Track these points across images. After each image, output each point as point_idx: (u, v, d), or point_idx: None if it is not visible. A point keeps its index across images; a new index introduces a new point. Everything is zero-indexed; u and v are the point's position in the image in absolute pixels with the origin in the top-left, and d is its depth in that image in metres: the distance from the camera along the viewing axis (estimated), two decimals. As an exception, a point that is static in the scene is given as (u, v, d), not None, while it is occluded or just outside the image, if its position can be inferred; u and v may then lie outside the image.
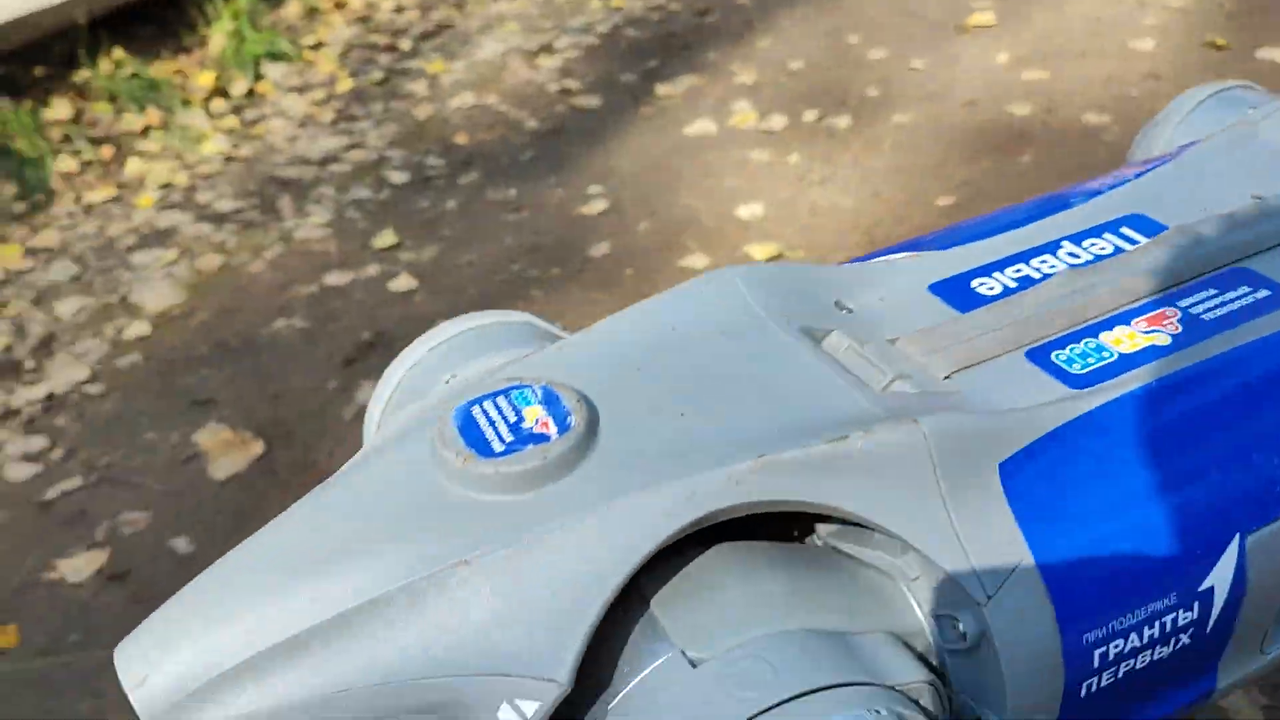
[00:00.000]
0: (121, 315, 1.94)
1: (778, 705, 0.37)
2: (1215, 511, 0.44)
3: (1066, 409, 0.44)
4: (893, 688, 0.40)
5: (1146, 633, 0.44)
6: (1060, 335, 0.48)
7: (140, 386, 1.75)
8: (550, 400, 0.42)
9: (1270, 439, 0.45)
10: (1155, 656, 0.45)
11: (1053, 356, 0.47)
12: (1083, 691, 0.44)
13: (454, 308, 1.84)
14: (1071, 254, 0.53)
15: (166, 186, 2.38)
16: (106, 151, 2.49)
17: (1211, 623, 0.46)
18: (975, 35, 2.64)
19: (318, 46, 3.02)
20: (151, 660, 0.38)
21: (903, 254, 0.54)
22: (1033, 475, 0.43)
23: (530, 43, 2.96)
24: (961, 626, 0.42)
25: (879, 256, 0.55)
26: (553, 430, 0.40)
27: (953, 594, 0.42)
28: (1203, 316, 0.49)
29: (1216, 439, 0.45)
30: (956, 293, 0.51)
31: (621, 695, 0.40)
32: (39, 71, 2.73)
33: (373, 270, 1.99)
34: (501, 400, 0.42)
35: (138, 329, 1.89)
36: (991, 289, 0.51)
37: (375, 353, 1.75)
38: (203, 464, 1.56)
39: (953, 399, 0.45)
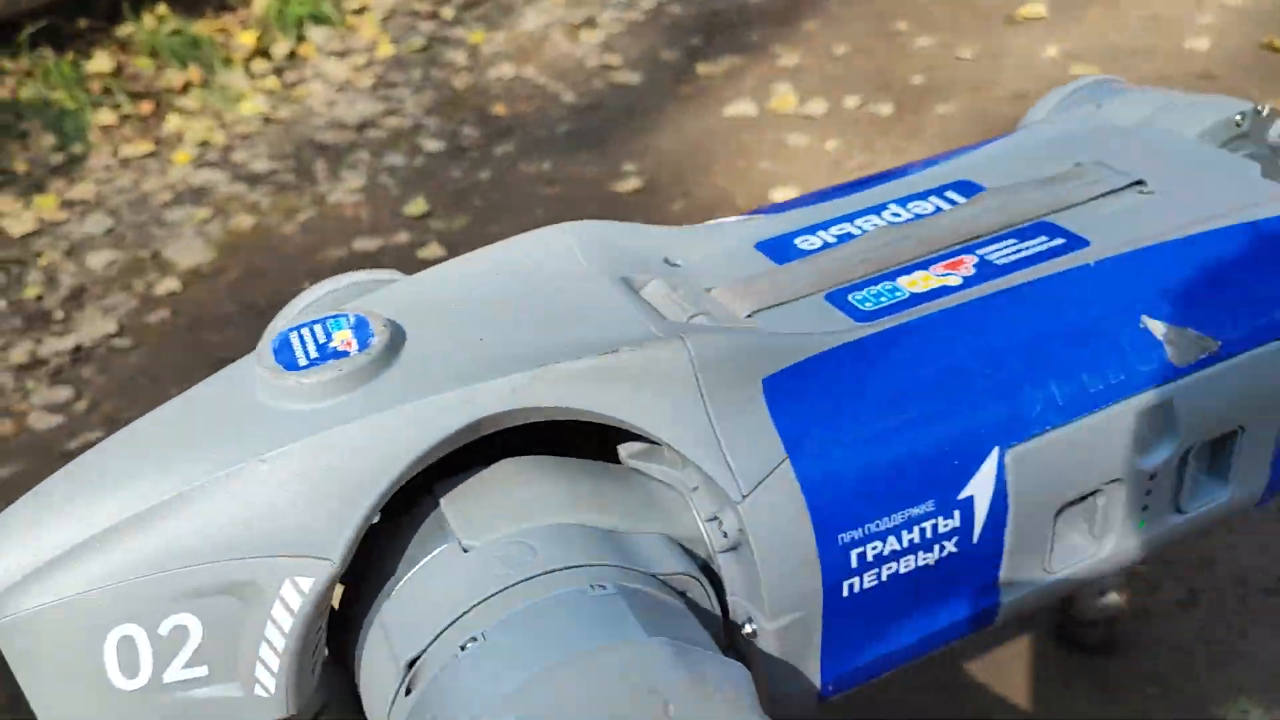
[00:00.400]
0: (152, 271, 1.95)
1: (530, 579, 0.43)
2: (972, 426, 0.49)
3: (841, 336, 0.50)
4: (654, 576, 0.45)
5: (906, 537, 0.48)
6: (861, 280, 0.54)
7: (167, 342, 1.75)
8: (360, 325, 0.48)
9: (1033, 363, 0.50)
10: (920, 562, 0.49)
11: (849, 297, 0.53)
12: (844, 590, 0.48)
13: (482, 279, 1.83)
14: (894, 214, 0.59)
15: (204, 144, 2.38)
16: (146, 107, 2.49)
17: (977, 532, 0.50)
18: (1025, 27, 2.59)
19: (361, 11, 3.01)
20: None
21: (738, 218, 0.61)
22: (796, 390, 0.48)
23: (573, 16, 2.93)
24: (724, 525, 0.48)
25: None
26: (354, 348, 0.46)
27: (715, 496, 0.48)
28: (996, 261, 0.55)
29: (978, 364, 0.50)
30: (779, 249, 0.57)
31: (402, 582, 0.46)
32: (82, 24, 2.73)
33: (403, 237, 1.98)
34: (317, 326, 0.48)
35: (168, 285, 1.90)
36: (812, 245, 0.57)
37: (401, 320, 1.74)
38: (224, 423, 1.56)
39: (739, 330, 0.50)
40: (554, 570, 0.43)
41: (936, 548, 0.50)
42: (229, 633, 0.44)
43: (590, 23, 2.87)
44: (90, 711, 0.45)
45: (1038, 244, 0.56)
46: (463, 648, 0.41)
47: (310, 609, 0.43)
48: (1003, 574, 0.53)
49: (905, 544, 0.49)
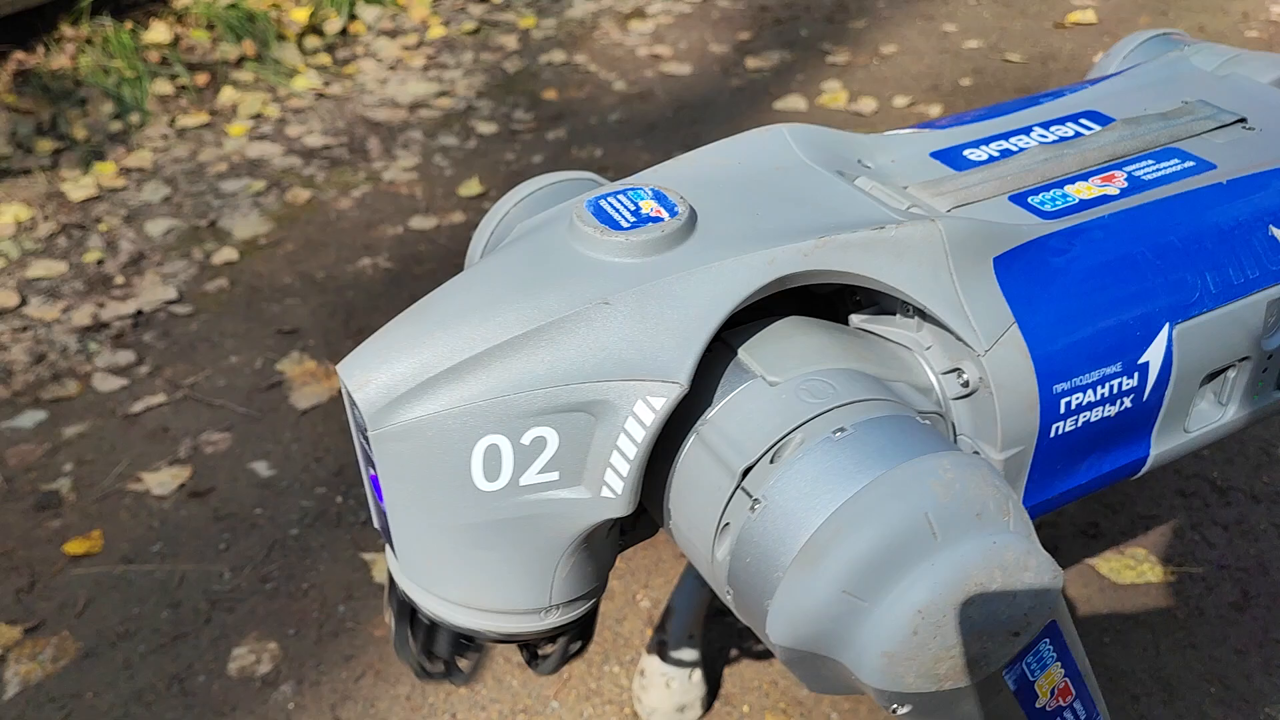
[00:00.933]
0: (210, 240, 1.98)
1: (835, 408, 0.52)
2: (1150, 305, 0.61)
3: (1038, 229, 0.61)
4: (917, 413, 0.56)
5: (1099, 390, 0.60)
6: (1034, 186, 0.65)
7: (226, 310, 1.78)
8: (659, 196, 0.57)
9: (1191, 258, 0.62)
10: (1105, 413, 0.61)
11: (1029, 200, 0.64)
12: (1052, 433, 0.59)
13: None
14: (1041, 135, 0.71)
15: (257, 117, 2.41)
16: (201, 78, 2.52)
17: (1147, 392, 0.62)
18: (1074, 32, 2.61)
19: (411, -9, 3.03)
20: (370, 371, 0.52)
21: (905, 130, 0.71)
22: (1016, 268, 0.59)
23: (623, 5, 2.95)
24: (965, 375, 0.58)
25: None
26: (665, 215, 0.56)
27: (958, 350, 0.58)
28: (1144, 177, 0.66)
29: (1150, 256, 0.62)
30: (951, 158, 0.68)
31: (715, 411, 0.55)
32: (139, -6, 2.76)
33: (457, 217, 2.01)
34: (621, 196, 0.57)
35: (225, 254, 1.93)
36: (979, 156, 0.68)
37: (457, 298, 1.77)
38: (285, 392, 1.59)
39: (975, 218, 0.61)
40: (854, 402, 0.53)
41: (1118, 403, 0.61)
42: (581, 444, 0.52)
43: (640, 13, 2.89)
44: (451, 508, 0.53)
45: (1173, 165, 0.68)
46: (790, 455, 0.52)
47: (658, 424, 0.52)
48: (1155, 430, 0.65)
49: (1097, 396, 0.60)
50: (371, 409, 0.52)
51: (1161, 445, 0.66)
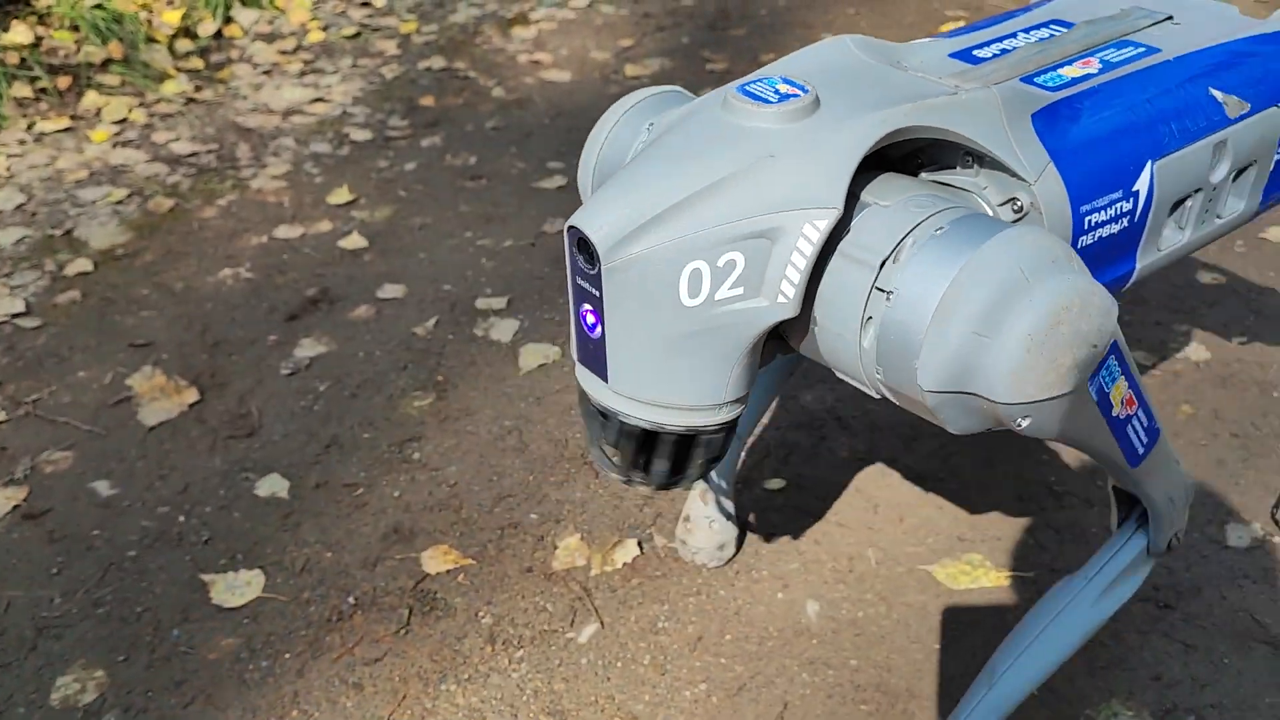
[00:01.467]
0: (64, 250, 1.91)
1: (933, 214, 0.70)
2: (1139, 146, 0.83)
3: (1052, 97, 0.82)
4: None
5: (1108, 212, 0.82)
6: (1036, 70, 0.86)
7: (77, 324, 1.73)
8: (788, 81, 0.74)
9: (1161, 112, 0.85)
10: (1111, 230, 0.83)
11: (1035, 80, 0.84)
12: (1078, 245, 0.81)
13: (403, 270, 1.83)
14: (1026, 37, 0.92)
15: (122, 122, 2.34)
16: (63, 81, 2.44)
17: (1137, 214, 0.84)
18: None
19: (291, -6, 2.98)
20: (600, 219, 0.69)
21: (926, 39, 0.90)
22: (1046, 123, 0.79)
23: (507, 11, 2.93)
24: (1019, 202, 0.77)
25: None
26: (799, 93, 0.73)
27: (1011, 185, 0.78)
28: (1111, 60, 0.89)
29: (1133, 112, 0.84)
30: (966, 58, 0.87)
31: (849, 233, 0.72)
32: (1, -6, 2.67)
33: (325, 226, 1.97)
34: (761, 83, 0.74)
35: (79, 265, 1.87)
36: (986, 54, 0.88)
37: (319, 310, 1.74)
38: (133, 408, 1.54)
39: (1017, 87, 0.83)
40: (945, 209, 0.71)
41: (1119, 222, 0.83)
42: (762, 263, 0.69)
43: (523, 19, 2.88)
44: (661, 324, 0.70)
45: (1130, 51, 0.90)
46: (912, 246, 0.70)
47: (821, 240, 0.69)
48: (1140, 247, 0.87)
49: (1107, 216, 0.82)
50: (605, 246, 0.68)
51: (1143, 260, 0.88)
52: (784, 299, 0.70)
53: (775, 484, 1.37)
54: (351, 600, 1.23)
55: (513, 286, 1.78)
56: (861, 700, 1.10)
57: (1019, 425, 0.69)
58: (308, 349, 1.65)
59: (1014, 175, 0.77)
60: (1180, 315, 1.65)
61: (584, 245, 0.70)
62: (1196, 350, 1.58)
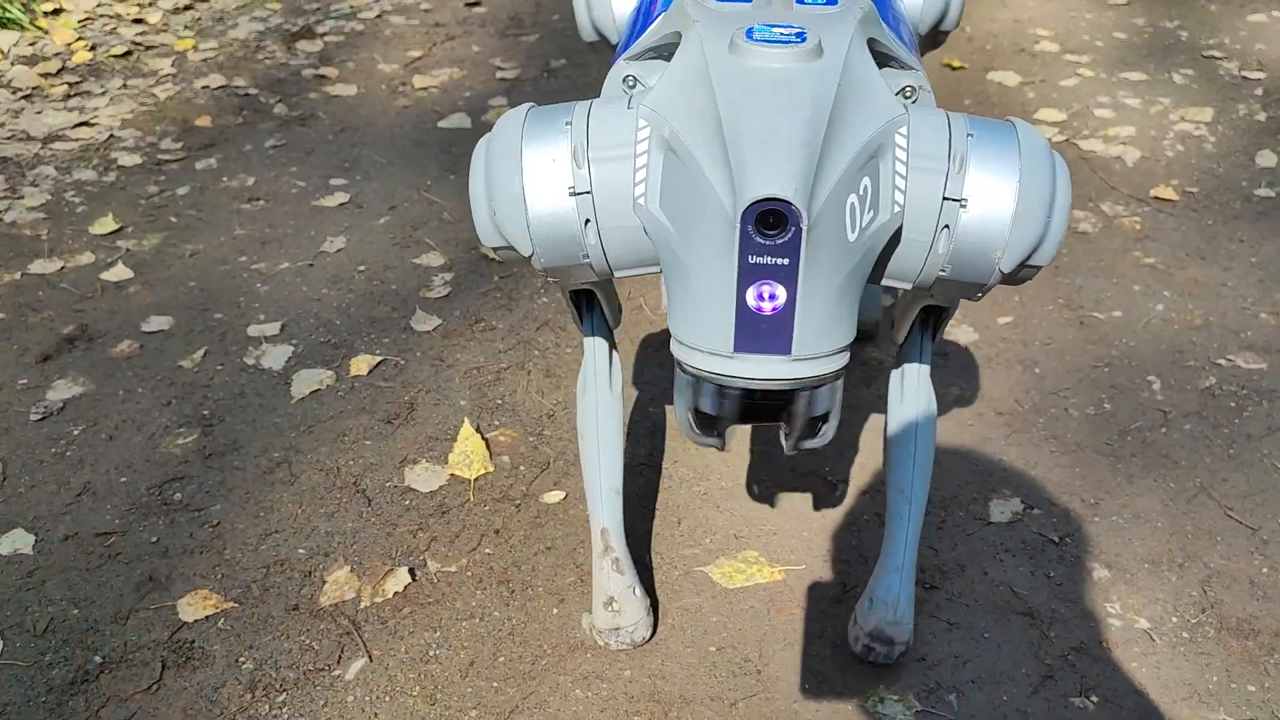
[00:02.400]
0: None
1: (950, 119, 0.81)
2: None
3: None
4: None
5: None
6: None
7: None
8: (775, 26, 0.79)
9: None
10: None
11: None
12: None
13: (171, 301, 1.74)
14: None
15: None
16: None
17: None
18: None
19: (56, 13, 2.81)
20: (782, 180, 0.71)
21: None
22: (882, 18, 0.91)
23: (291, 25, 2.84)
24: (911, 87, 0.84)
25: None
26: (800, 29, 0.79)
27: (904, 75, 0.86)
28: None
29: None
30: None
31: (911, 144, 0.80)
32: None
33: (86, 258, 1.86)
34: (765, 30, 0.79)
35: None
36: None
37: (75, 349, 1.63)
38: None
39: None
40: (946, 112, 0.82)
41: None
42: (877, 181, 0.77)
43: (309, 33, 2.79)
44: (841, 265, 0.76)
45: None
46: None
47: (907, 143, 0.79)
48: None
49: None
50: (804, 204, 0.70)
51: None
52: (897, 207, 0.78)
53: (554, 497, 1.34)
54: (99, 659, 1.15)
55: (287, 311, 1.71)
56: (635, 712, 1.08)
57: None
58: (61, 391, 1.54)
59: (904, 67, 0.86)
60: (950, 299, 1.70)
61: (768, 218, 0.71)
62: (965, 333, 1.63)
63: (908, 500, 1.09)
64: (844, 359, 0.80)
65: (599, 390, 1.12)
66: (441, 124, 2.30)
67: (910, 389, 1.09)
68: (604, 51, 1.21)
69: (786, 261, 0.72)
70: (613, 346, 1.13)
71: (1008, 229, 0.78)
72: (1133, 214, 1.93)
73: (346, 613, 1.20)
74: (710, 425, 0.90)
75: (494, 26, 2.82)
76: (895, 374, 1.11)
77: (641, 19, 1.01)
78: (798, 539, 1.28)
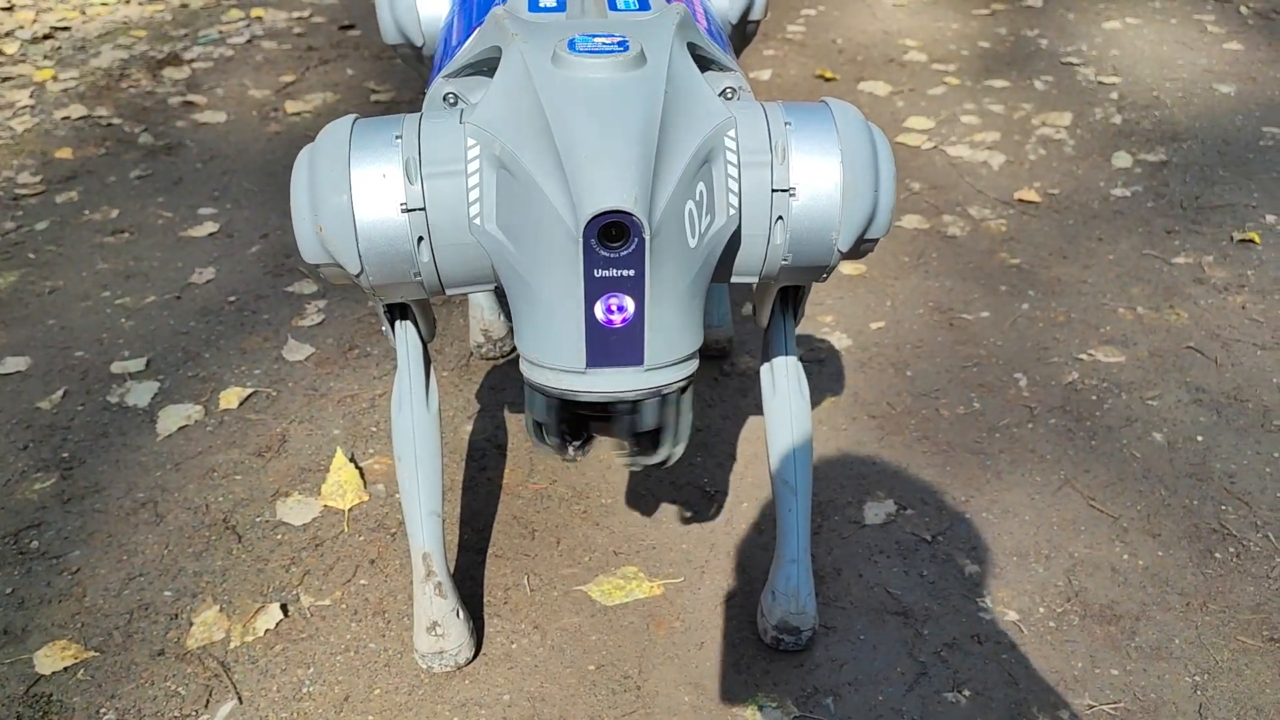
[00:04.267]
0: None
1: (764, 109, 0.84)
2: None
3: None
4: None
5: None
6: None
7: None
8: (595, 35, 0.80)
9: None
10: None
11: (618, 4, 0.93)
12: None
13: (28, 341, 1.67)
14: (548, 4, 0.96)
15: None
16: None
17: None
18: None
19: (-96, 46, 2.70)
20: (620, 192, 0.71)
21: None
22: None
23: (157, 51, 2.76)
24: (731, 87, 0.87)
25: None
26: (621, 37, 0.80)
27: (724, 77, 0.88)
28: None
29: None
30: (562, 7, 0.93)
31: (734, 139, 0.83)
32: None
33: (-63, 300, 1.77)
34: (585, 41, 0.79)
35: None
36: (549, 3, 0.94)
37: (-76, 394, 1.56)
38: None
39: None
40: (784, 109, 0.84)
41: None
42: (711, 183, 0.78)
43: (175, 59, 2.72)
44: (682, 272, 0.77)
45: None
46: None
47: (736, 146, 0.81)
48: None
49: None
50: (645, 214, 0.71)
51: None
52: (732, 210, 0.78)
53: (431, 523, 1.32)
54: (-52, 720, 1.09)
55: (153, 346, 1.66)
56: (514, 736, 1.07)
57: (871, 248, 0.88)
58: (-91, 440, 1.47)
59: (724, 69, 0.88)
60: (823, 308, 1.73)
61: (610, 230, 0.71)
62: (839, 339, 1.65)
63: (794, 491, 1.11)
64: (693, 365, 0.81)
65: (415, 408, 1.07)
66: (315, 149, 2.26)
67: (782, 381, 1.11)
68: (412, 62, 1.20)
69: (632, 273, 0.72)
70: (428, 361, 1.09)
71: (838, 209, 0.81)
72: (999, 217, 1.99)
73: (215, 654, 1.16)
74: (552, 436, 0.89)
75: (368, 50, 2.78)
76: (765, 369, 1.12)
77: (458, 34, 1.00)
78: (677, 552, 1.28)
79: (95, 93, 2.54)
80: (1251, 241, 1.89)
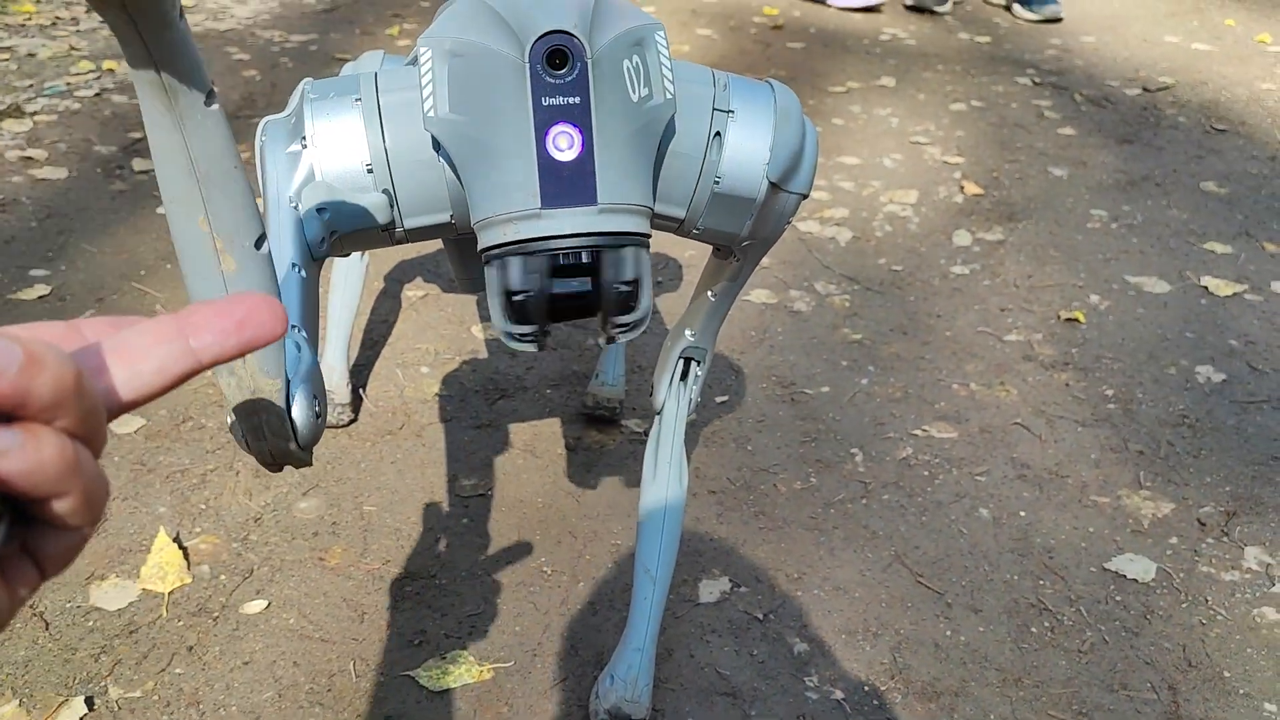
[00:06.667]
0: None
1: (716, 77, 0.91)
2: None
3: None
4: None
5: None
6: None
7: None
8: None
9: None
10: None
11: None
12: None
13: None
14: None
15: None
16: None
17: None
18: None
19: None
20: (562, 18, 0.77)
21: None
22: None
23: (-3, 102, 2.66)
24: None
25: None
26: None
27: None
28: None
29: None
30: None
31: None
32: None
33: None
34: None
35: None
36: None
37: None
38: None
39: None
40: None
41: None
42: (646, 68, 0.82)
43: (16, 111, 2.62)
44: (628, 119, 0.80)
45: None
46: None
47: (668, 50, 0.84)
48: None
49: None
50: (586, 36, 0.76)
51: None
52: (669, 94, 0.80)
53: (255, 606, 1.28)
54: None
55: (-32, 416, 1.57)
56: (328, 835, 1.03)
57: (789, 223, 0.94)
58: None
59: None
60: (671, 380, 1.75)
61: (554, 59, 0.75)
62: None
63: (653, 580, 1.13)
64: (648, 221, 0.83)
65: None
66: (160, 210, 2.20)
67: (664, 466, 1.14)
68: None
69: (578, 100, 0.76)
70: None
71: (770, 133, 0.88)
72: (844, 292, 2.05)
73: (10, 754, 1.09)
74: (525, 315, 0.82)
75: (226, 107, 2.73)
76: (650, 450, 1.15)
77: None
78: (510, 635, 1.26)
79: (-74, 144, 2.43)
80: (1076, 321, 1.99)
